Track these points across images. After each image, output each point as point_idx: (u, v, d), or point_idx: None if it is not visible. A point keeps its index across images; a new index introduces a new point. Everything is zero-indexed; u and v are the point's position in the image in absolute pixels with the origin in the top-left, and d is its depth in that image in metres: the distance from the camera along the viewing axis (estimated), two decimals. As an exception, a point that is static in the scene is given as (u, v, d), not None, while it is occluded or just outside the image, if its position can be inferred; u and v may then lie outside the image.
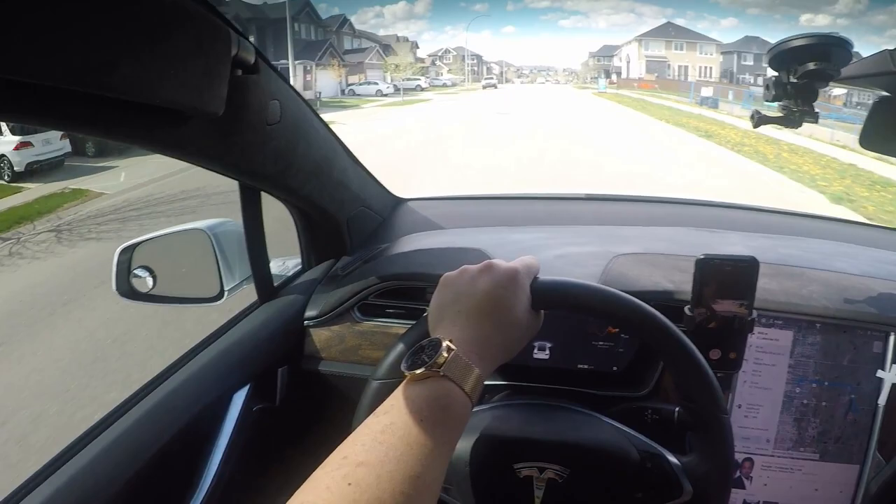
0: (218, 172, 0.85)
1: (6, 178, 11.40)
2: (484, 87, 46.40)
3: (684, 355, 0.69)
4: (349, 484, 0.47)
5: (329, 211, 1.10)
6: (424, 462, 0.51)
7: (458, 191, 1.58)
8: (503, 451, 0.74)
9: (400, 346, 0.75)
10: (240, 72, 0.73)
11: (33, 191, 10.59)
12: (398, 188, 1.43)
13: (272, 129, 0.84)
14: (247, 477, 0.95)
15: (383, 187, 1.36)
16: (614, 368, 0.97)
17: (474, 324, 0.62)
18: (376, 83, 37.75)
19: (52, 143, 12.04)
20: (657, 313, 0.69)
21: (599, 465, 0.74)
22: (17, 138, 11.39)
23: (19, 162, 11.49)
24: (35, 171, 11.60)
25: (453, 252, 1.11)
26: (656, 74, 51.15)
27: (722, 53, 51.93)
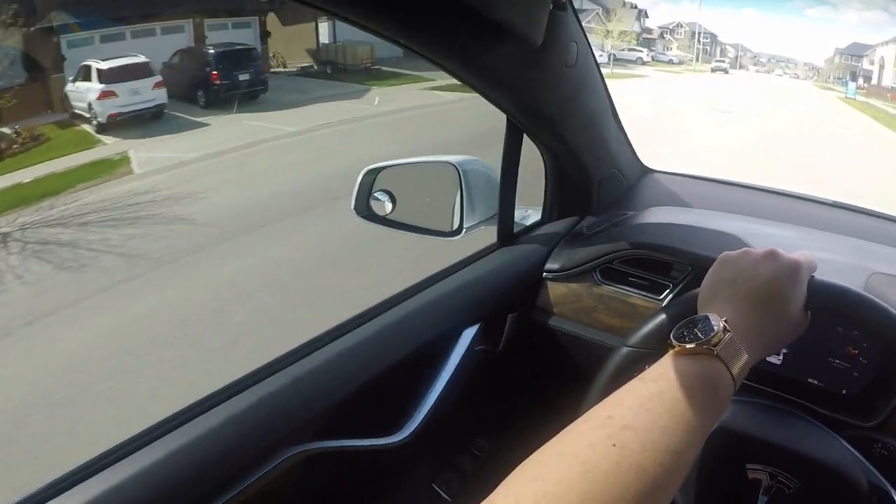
0: (504, 105, 0.86)
1: (93, 128, 10.12)
2: (713, 70, 39.39)
3: None
4: (614, 445, 0.46)
5: (585, 166, 1.09)
6: (687, 438, 0.49)
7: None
8: (738, 449, 0.72)
9: (661, 318, 0.72)
10: (552, 6, 0.72)
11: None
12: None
13: (567, 71, 0.84)
14: (462, 411, 0.96)
15: (635, 154, 1.33)
16: (844, 392, 0.90)
17: (750, 309, 0.60)
18: (587, 48, 35.70)
19: (140, 92, 10.51)
20: None
21: (830, 485, 0.69)
22: (101, 86, 10.23)
23: (101, 112, 10.15)
24: (120, 124, 10.12)
25: (707, 233, 1.05)
26: None
27: None
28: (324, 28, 16.21)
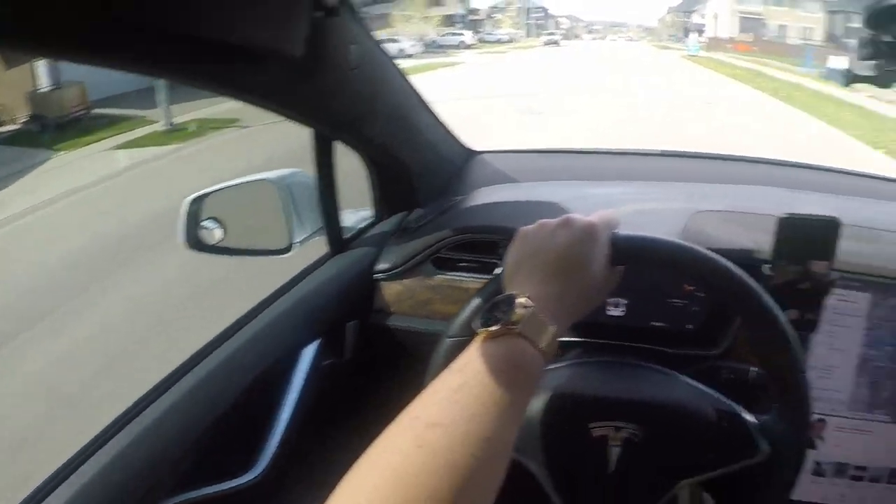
0: (294, 120, 0.84)
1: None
2: (545, 45, 41.16)
3: (766, 314, 0.67)
4: (419, 446, 0.46)
5: (403, 161, 1.09)
6: (499, 423, 0.49)
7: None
8: (578, 410, 0.73)
9: (474, 302, 0.73)
10: (321, 14, 0.71)
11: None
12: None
13: (351, 74, 0.83)
14: (317, 432, 0.96)
15: (456, 139, 1.33)
16: (689, 327, 0.96)
17: (551, 279, 0.60)
18: (396, 40, 30.01)
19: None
20: (739, 270, 0.67)
21: (676, 424, 0.72)
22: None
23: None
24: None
25: (530, 205, 1.09)
26: (751, 34, 42.00)
27: (828, 13, 42.71)
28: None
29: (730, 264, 0.67)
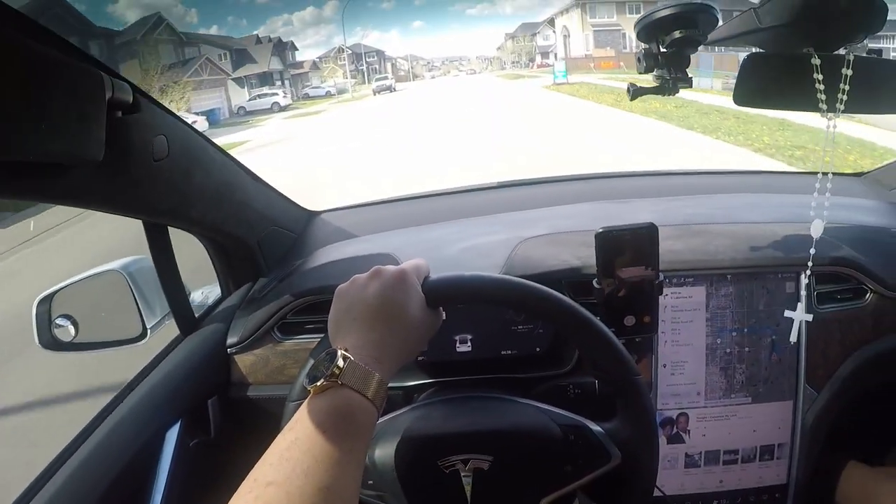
0: (114, 213, 0.84)
1: None
2: (376, 93, 33.81)
3: (585, 326, 0.70)
4: None
5: (238, 235, 1.09)
6: (333, 473, 0.51)
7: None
8: (425, 450, 0.75)
9: (308, 364, 0.74)
10: (119, 113, 0.73)
11: None
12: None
13: (161, 164, 0.83)
14: None
15: (293, 203, 1.35)
16: (537, 350, 0.99)
17: (368, 329, 0.62)
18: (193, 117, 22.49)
19: None
20: (550, 290, 0.69)
21: (522, 446, 0.75)
22: None
23: None
24: None
25: (362, 259, 1.11)
26: (609, 48, 38.65)
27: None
28: None
29: (539, 286, 0.70)
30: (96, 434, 0.88)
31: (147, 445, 0.91)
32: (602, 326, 0.70)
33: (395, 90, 35.61)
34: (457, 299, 0.74)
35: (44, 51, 0.59)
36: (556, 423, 0.75)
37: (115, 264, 1.04)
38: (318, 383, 0.56)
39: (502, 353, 0.99)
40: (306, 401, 0.57)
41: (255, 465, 0.53)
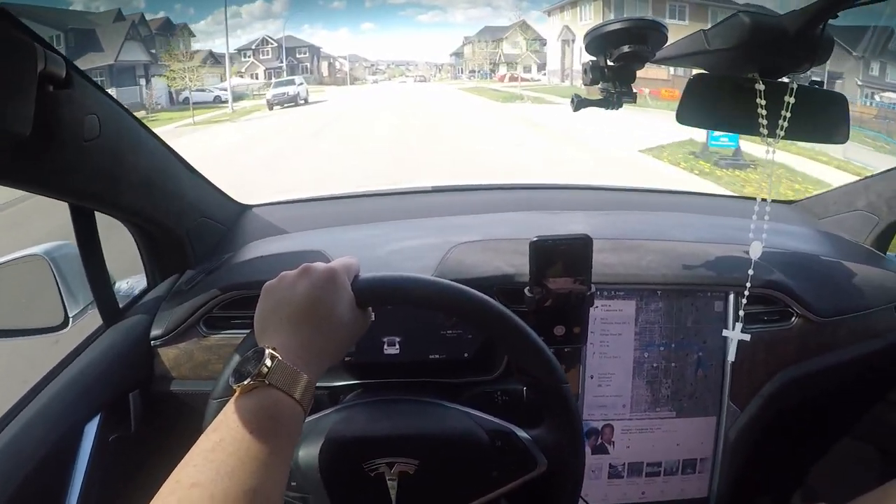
0: (39, 194, 0.81)
1: None
2: (271, 106, 21.28)
3: (515, 332, 0.70)
4: None
5: (166, 224, 1.07)
6: (258, 475, 0.50)
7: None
8: (350, 452, 0.74)
9: (233, 361, 0.73)
10: (51, 87, 0.70)
11: None
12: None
13: (90, 144, 0.81)
14: None
15: (225, 195, 1.32)
16: (465, 355, 0.99)
17: (296, 329, 0.61)
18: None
19: None
20: (481, 295, 0.70)
21: (448, 450, 0.75)
22: None
23: None
24: None
25: (293, 256, 1.10)
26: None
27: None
28: None
29: (471, 290, 0.70)
30: (13, 424, 0.84)
31: (65, 438, 0.87)
32: (532, 333, 0.71)
33: (304, 102, 21.82)
34: (387, 300, 0.73)
35: None
36: (484, 428, 0.75)
37: (37, 248, 1.00)
38: (245, 382, 0.55)
39: (430, 356, 0.99)
40: (232, 400, 0.56)
41: (178, 466, 0.52)
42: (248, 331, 1.01)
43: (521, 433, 0.75)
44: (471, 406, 0.80)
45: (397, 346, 0.98)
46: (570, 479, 0.75)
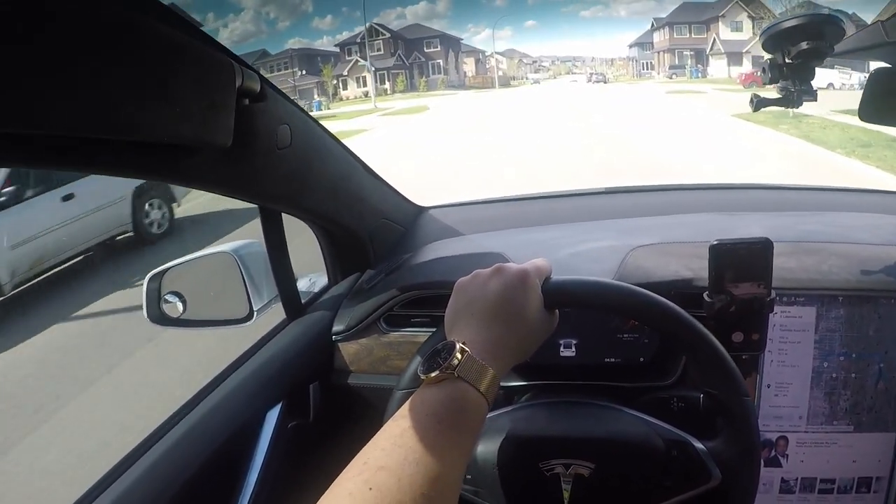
0: (236, 198, 0.88)
1: None
2: None
3: (700, 342, 0.69)
4: (370, 489, 0.48)
5: (350, 226, 1.12)
6: (443, 463, 0.52)
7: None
8: (528, 451, 0.76)
9: (419, 356, 0.76)
10: (247, 101, 0.75)
11: None
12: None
13: (283, 152, 0.87)
14: (286, 494, 0.97)
15: (404, 198, 1.37)
16: (641, 360, 0.98)
17: (487, 325, 0.63)
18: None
19: None
20: (669, 303, 0.69)
21: (624, 456, 0.74)
22: None
23: None
24: None
25: (472, 257, 1.12)
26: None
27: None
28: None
29: (658, 297, 0.70)
30: (203, 404, 0.92)
31: (248, 423, 0.94)
32: (717, 344, 0.70)
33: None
34: (577, 304, 0.74)
35: (179, 38, 0.61)
36: (661, 436, 0.75)
37: (226, 246, 1.08)
38: (434, 373, 0.57)
39: (606, 360, 0.98)
40: (419, 389, 0.58)
41: (365, 448, 0.54)
42: (426, 329, 1.06)
43: (698, 444, 0.74)
44: (646, 412, 0.79)
45: (573, 349, 0.98)
46: (742, 494, 0.73)
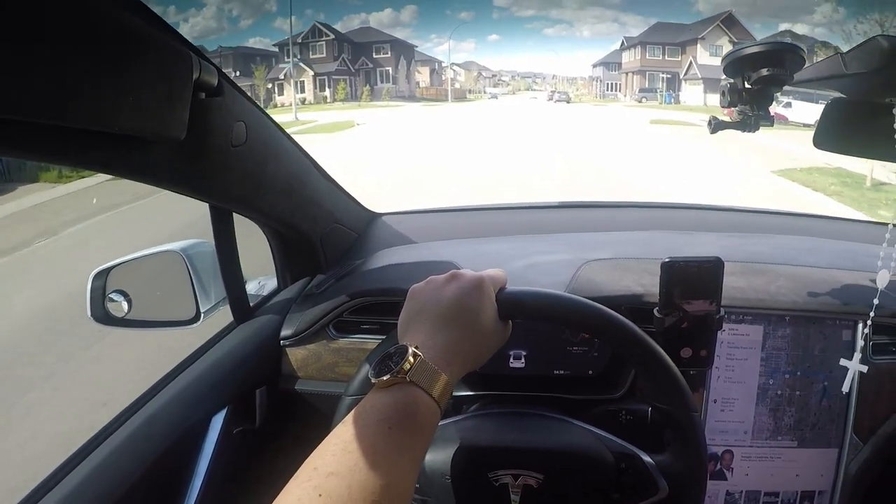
0: (185, 195, 0.85)
1: None
2: None
3: (651, 358, 0.69)
4: (320, 495, 0.47)
5: (302, 229, 1.10)
6: (394, 469, 0.50)
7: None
8: (478, 461, 0.75)
9: (369, 362, 0.74)
10: (203, 95, 0.73)
11: None
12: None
13: (238, 150, 0.84)
14: (231, 500, 0.95)
15: (357, 203, 1.35)
16: (590, 372, 0.98)
17: (440, 330, 0.62)
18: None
19: None
20: (622, 318, 0.69)
21: (573, 468, 0.74)
22: None
23: None
24: None
25: (424, 265, 1.11)
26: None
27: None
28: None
29: (611, 312, 0.69)
30: (146, 408, 0.90)
31: (194, 427, 0.92)
32: (668, 360, 0.70)
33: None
34: (530, 314, 0.73)
35: (138, 25, 0.59)
36: (609, 449, 0.75)
37: (174, 245, 1.05)
38: (385, 377, 0.56)
39: (555, 372, 0.98)
40: (370, 393, 0.57)
41: (314, 454, 0.52)
42: (376, 336, 1.04)
43: (646, 457, 0.74)
44: (595, 424, 0.80)
45: (523, 360, 0.98)
46: None
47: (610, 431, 0.78)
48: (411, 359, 0.56)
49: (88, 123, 0.56)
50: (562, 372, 0.98)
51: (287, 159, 1.00)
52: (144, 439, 0.85)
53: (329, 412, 0.95)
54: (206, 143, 0.78)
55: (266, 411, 1.03)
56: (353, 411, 0.55)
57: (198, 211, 0.98)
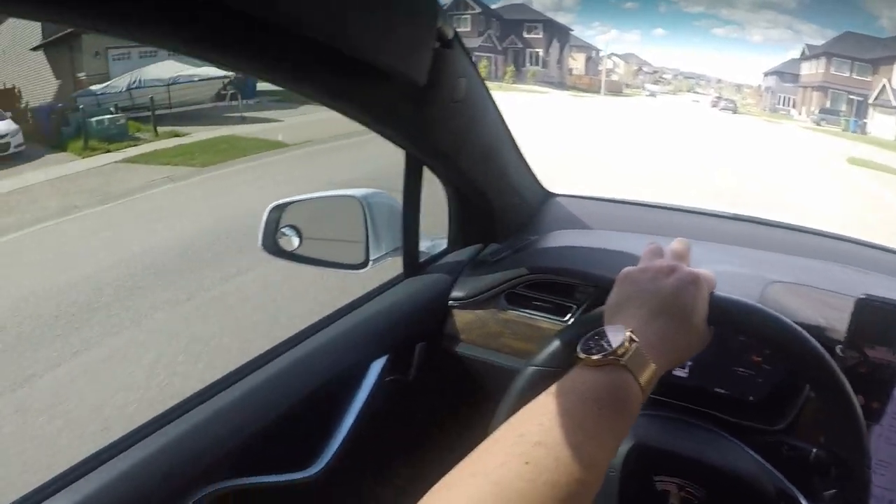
0: (396, 142, 0.88)
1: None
2: None
3: (844, 401, 0.67)
4: (526, 462, 0.47)
5: (487, 196, 1.12)
6: (600, 451, 0.50)
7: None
8: (644, 461, 0.74)
9: (566, 336, 0.73)
10: (438, 44, 0.74)
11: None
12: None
13: (456, 106, 0.86)
14: (376, 441, 0.97)
15: (537, 180, 1.36)
16: (751, 398, 0.96)
17: (656, 318, 0.61)
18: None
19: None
20: (826, 354, 0.67)
21: (736, 493, 0.73)
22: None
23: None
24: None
25: (607, 254, 1.10)
26: None
27: None
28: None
29: (817, 345, 0.67)
30: (305, 344, 0.93)
31: (351, 370, 0.94)
32: (858, 408, 0.67)
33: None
34: (737, 325, 0.72)
35: None
36: (772, 482, 0.73)
37: (356, 191, 1.08)
38: (597, 356, 0.55)
39: (715, 389, 0.96)
40: (578, 369, 0.56)
41: (518, 420, 0.52)
42: (547, 315, 1.05)
43: (804, 501, 0.72)
44: (756, 451, 0.78)
45: (687, 370, 0.96)
46: None
47: (771, 463, 0.76)
48: (627, 343, 0.56)
49: (348, 48, 0.57)
50: (722, 391, 0.96)
51: (490, 125, 1.02)
52: (301, 372, 0.88)
53: (485, 380, 0.96)
54: (433, 93, 0.79)
55: (422, 366, 1.04)
56: (558, 384, 0.55)
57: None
